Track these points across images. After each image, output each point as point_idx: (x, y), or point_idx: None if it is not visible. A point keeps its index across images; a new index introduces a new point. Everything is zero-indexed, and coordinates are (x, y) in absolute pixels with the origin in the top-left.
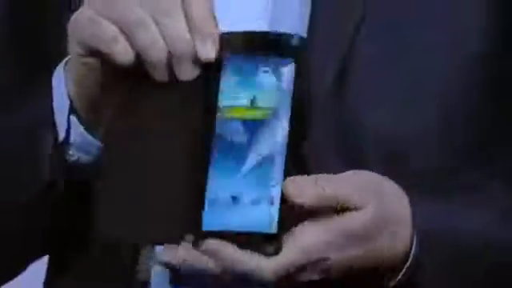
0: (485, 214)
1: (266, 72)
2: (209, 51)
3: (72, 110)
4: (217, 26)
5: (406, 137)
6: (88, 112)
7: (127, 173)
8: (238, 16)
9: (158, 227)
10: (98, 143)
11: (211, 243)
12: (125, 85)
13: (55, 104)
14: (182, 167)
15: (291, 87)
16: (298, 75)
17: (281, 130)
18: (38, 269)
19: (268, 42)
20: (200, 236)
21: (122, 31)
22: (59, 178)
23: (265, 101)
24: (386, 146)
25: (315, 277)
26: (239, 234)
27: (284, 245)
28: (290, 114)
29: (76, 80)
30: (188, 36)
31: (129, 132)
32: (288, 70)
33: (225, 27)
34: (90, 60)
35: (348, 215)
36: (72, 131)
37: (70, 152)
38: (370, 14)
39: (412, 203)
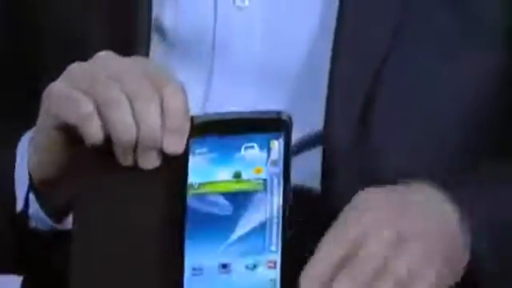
0: None
1: (251, 148)
2: (175, 145)
3: (31, 186)
4: (188, 119)
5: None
6: (45, 186)
7: (100, 251)
8: None
9: None
10: (53, 224)
11: None
12: (90, 159)
13: (16, 175)
14: (158, 243)
15: (282, 158)
16: (287, 146)
17: (276, 199)
18: None
19: (253, 124)
20: None
21: (98, 109)
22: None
23: (252, 174)
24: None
25: None
26: None
27: None
28: (282, 184)
29: (38, 148)
30: (158, 124)
31: (97, 210)
32: (278, 143)
33: None
34: (58, 133)
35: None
36: (30, 204)
37: (29, 222)
38: (393, 52)
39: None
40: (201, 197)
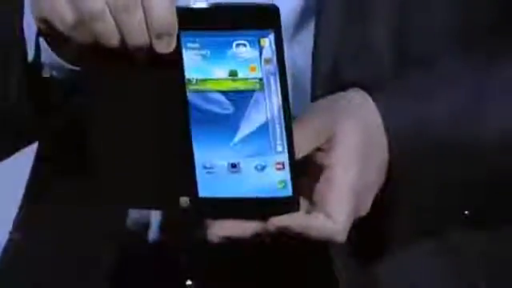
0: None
1: (243, 45)
2: (165, 46)
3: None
4: (174, 19)
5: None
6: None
7: (117, 145)
8: None
9: (153, 194)
10: (67, 65)
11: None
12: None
13: (25, 22)
14: (167, 140)
15: (275, 57)
16: (279, 44)
17: (275, 99)
18: None
19: (242, 15)
20: (197, 203)
21: (80, 19)
22: (25, 98)
23: (247, 73)
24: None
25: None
26: (243, 200)
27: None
28: (279, 82)
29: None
30: (144, 31)
31: (109, 108)
32: (269, 41)
33: None
34: (48, 25)
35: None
36: (42, 51)
37: (44, 70)
38: None
39: (378, 105)
40: (200, 93)
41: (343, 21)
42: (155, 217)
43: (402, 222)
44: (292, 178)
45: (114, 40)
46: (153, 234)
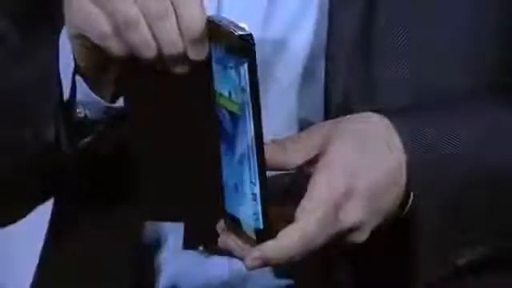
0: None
1: (231, 68)
2: (199, 53)
3: (77, 70)
4: (205, 25)
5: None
6: (91, 73)
7: (155, 158)
8: None
9: (190, 208)
10: (102, 102)
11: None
12: (124, 65)
13: (61, 62)
14: (201, 150)
15: (248, 86)
16: (253, 75)
17: (249, 128)
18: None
19: (229, 38)
20: (225, 217)
21: (115, 28)
22: (64, 139)
23: (235, 96)
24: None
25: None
26: (240, 223)
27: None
28: (252, 113)
29: (74, 49)
30: (178, 38)
31: (144, 118)
32: (244, 70)
33: None
34: (83, 39)
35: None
36: (78, 89)
37: (78, 110)
38: None
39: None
40: (218, 107)
41: (354, 59)
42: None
43: (427, 266)
44: (263, 211)
45: (149, 50)
46: None
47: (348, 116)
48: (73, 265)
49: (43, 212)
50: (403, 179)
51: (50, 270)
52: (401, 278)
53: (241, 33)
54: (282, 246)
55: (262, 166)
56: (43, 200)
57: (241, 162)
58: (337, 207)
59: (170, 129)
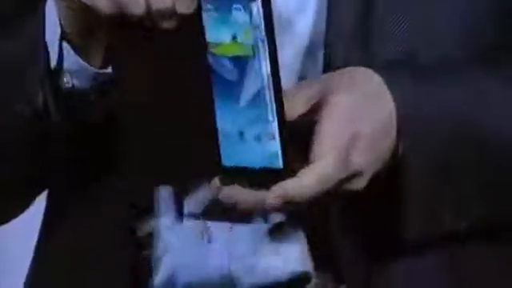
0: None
1: (238, 9)
2: (187, 6)
3: (64, 37)
4: None
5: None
6: (78, 39)
7: (145, 122)
8: None
9: (183, 167)
10: (91, 69)
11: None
12: (113, 25)
13: (47, 30)
14: (193, 108)
15: (263, 23)
16: (267, 10)
17: (264, 66)
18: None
19: None
20: (222, 172)
21: None
22: (53, 107)
23: (243, 38)
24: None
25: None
26: (251, 169)
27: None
28: (267, 49)
29: (61, 14)
30: None
31: (134, 80)
32: (257, 6)
33: None
34: (71, 3)
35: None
36: (65, 57)
37: (65, 79)
38: None
39: (387, 81)
40: (215, 58)
41: (353, 47)
42: None
43: (415, 222)
44: (282, 149)
45: (137, 5)
46: None
47: (343, 69)
48: (67, 256)
49: (39, 212)
50: (394, 130)
51: (44, 264)
52: (389, 233)
53: None
54: (304, 185)
55: (281, 102)
56: (36, 191)
57: (251, 105)
58: (346, 151)
59: (159, 90)
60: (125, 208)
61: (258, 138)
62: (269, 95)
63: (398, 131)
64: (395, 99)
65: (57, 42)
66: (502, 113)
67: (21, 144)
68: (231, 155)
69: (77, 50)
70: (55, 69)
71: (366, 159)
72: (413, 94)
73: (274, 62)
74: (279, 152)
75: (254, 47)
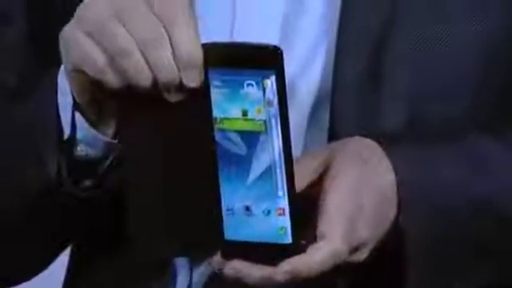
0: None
1: (251, 85)
2: (194, 79)
3: (76, 107)
4: (201, 51)
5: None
6: (90, 109)
7: (148, 193)
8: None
9: (183, 241)
10: (103, 138)
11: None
12: (122, 98)
13: (60, 100)
14: (197, 181)
15: (276, 99)
16: (281, 86)
17: (276, 142)
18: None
19: (248, 54)
20: (223, 246)
21: (110, 60)
22: (65, 175)
23: (255, 114)
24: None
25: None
26: (256, 244)
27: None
28: (280, 125)
29: (72, 86)
30: (173, 65)
31: (141, 151)
32: (271, 82)
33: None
34: (80, 75)
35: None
36: (78, 127)
37: (79, 148)
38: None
39: (389, 153)
40: (222, 133)
41: (359, 109)
42: None
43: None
44: (292, 225)
45: (144, 77)
46: None
47: (347, 140)
48: None
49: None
50: (395, 201)
51: None
52: None
53: (267, 44)
54: (314, 261)
55: (292, 178)
56: (56, 250)
57: (259, 180)
58: (352, 225)
59: (165, 163)
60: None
61: (266, 213)
62: (279, 171)
63: (399, 203)
64: (397, 172)
65: (68, 111)
66: (506, 180)
67: (28, 211)
68: (236, 230)
69: (88, 119)
70: (69, 138)
71: (370, 231)
72: (414, 166)
73: (287, 138)
74: (289, 227)
75: (266, 123)
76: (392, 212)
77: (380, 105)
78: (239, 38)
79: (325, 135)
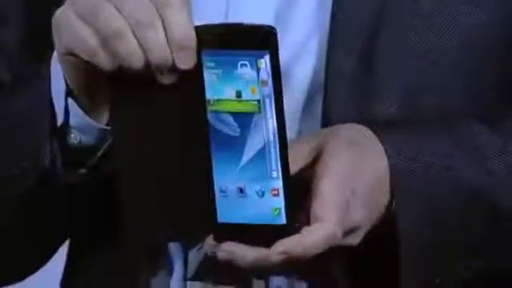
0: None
1: (245, 65)
2: (187, 61)
3: (69, 93)
4: (193, 33)
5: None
6: (84, 95)
7: (139, 177)
8: None
9: (176, 225)
10: (97, 124)
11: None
12: (114, 81)
13: (53, 87)
14: (189, 164)
15: (271, 79)
16: (275, 66)
17: (270, 123)
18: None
19: (242, 34)
20: (216, 229)
21: (102, 41)
22: (60, 163)
23: (249, 94)
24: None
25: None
26: (250, 226)
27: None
28: (274, 105)
29: (65, 71)
30: (166, 47)
31: (133, 135)
32: (265, 62)
33: None
34: (72, 58)
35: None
36: (71, 114)
37: (72, 135)
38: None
39: (382, 139)
40: (215, 114)
41: (353, 96)
42: None
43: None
44: (287, 205)
45: (137, 59)
46: None
47: (340, 125)
48: None
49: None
50: (388, 186)
51: None
52: None
53: (261, 24)
54: (310, 242)
55: (286, 158)
56: (50, 247)
57: (253, 161)
58: (346, 208)
59: (157, 145)
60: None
61: (260, 194)
62: (274, 151)
63: (392, 189)
64: (389, 157)
65: (62, 98)
66: (500, 170)
67: (20, 206)
68: (229, 212)
69: (82, 106)
70: (62, 125)
71: (363, 215)
72: (407, 151)
73: (281, 118)
74: (283, 208)
75: (260, 103)
76: (385, 197)
77: (373, 93)
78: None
79: (318, 123)
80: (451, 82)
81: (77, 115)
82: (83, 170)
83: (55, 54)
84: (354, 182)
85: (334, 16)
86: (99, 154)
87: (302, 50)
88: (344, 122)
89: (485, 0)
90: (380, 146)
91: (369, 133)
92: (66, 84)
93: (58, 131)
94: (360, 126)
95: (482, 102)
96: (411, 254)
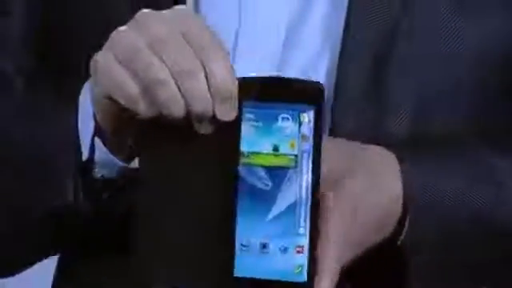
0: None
1: (286, 119)
2: (228, 112)
3: (96, 131)
4: (236, 85)
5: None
6: (112, 135)
7: (160, 220)
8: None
9: (191, 273)
10: (119, 162)
11: None
12: (146, 127)
13: (80, 125)
14: (212, 214)
15: (312, 135)
16: (319, 122)
17: (305, 178)
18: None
19: (287, 88)
20: (231, 283)
21: (143, 89)
22: (81, 198)
23: (287, 148)
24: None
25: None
26: (269, 282)
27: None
28: (312, 161)
29: (98, 112)
30: (208, 97)
31: (158, 180)
32: (308, 117)
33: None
34: (109, 102)
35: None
36: (96, 150)
37: (96, 170)
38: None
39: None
40: (247, 167)
41: (361, 113)
42: None
43: None
44: (309, 263)
45: (178, 108)
46: None
47: (364, 145)
48: None
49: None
50: (395, 217)
51: None
52: None
53: (309, 80)
54: None
55: (316, 215)
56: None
57: (281, 216)
58: (345, 245)
59: (182, 191)
60: None
61: (283, 250)
62: (304, 208)
63: (404, 209)
64: (404, 184)
65: (86, 134)
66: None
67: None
68: (248, 266)
69: (107, 144)
70: (87, 161)
71: (362, 246)
72: (419, 176)
73: (317, 174)
74: (305, 266)
75: (298, 158)
76: (385, 230)
77: (382, 113)
78: (243, 42)
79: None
80: (455, 94)
81: (101, 151)
82: (104, 196)
83: (84, 89)
84: (359, 215)
85: (345, 33)
86: (114, 188)
87: (312, 66)
88: (353, 139)
89: (487, 7)
90: (397, 171)
91: (387, 156)
92: (96, 123)
93: (83, 165)
94: (386, 152)
95: (487, 116)
96: (421, 276)
